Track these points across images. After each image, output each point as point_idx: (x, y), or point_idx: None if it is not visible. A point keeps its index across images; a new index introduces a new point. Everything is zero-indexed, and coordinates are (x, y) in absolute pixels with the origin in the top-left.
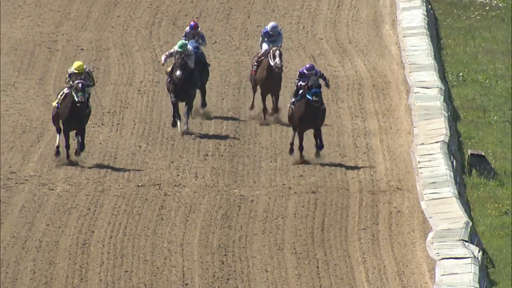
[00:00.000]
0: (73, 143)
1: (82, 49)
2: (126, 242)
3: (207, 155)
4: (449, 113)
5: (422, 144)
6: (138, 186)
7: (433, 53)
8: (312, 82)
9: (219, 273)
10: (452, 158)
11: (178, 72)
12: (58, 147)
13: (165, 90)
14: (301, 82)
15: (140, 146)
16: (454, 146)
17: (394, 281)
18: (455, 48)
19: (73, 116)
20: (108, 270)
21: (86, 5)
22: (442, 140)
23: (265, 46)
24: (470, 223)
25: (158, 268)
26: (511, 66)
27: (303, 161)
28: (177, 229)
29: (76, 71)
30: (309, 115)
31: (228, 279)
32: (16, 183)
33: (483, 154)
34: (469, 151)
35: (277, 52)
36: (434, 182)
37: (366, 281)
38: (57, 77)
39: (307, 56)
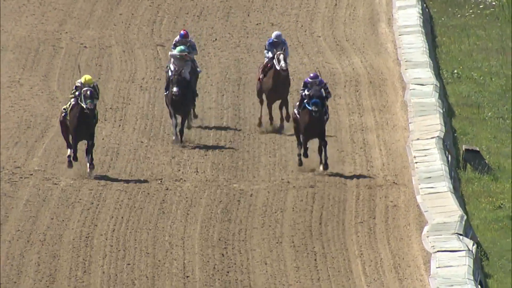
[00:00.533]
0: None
1: (85, 46)
2: (128, 236)
3: (207, 150)
4: (444, 110)
5: (418, 139)
6: (140, 180)
7: (428, 51)
8: (313, 92)
9: (219, 266)
10: (447, 153)
11: (174, 89)
12: (70, 156)
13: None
14: (305, 92)
15: (142, 142)
16: (449, 142)
17: (390, 273)
18: (450, 46)
19: (82, 125)
20: (111, 262)
21: (89, 4)
22: (438, 136)
23: (269, 55)
24: (465, 217)
25: (159, 260)
26: (505, 64)
27: (310, 170)
28: (178, 223)
29: (86, 83)
30: (313, 124)
31: (228, 272)
32: (21, 177)
33: (478, 149)
34: (464, 147)
35: (281, 56)
36: (430, 177)
37: (363, 273)
38: (61, 74)
39: (305, 53)
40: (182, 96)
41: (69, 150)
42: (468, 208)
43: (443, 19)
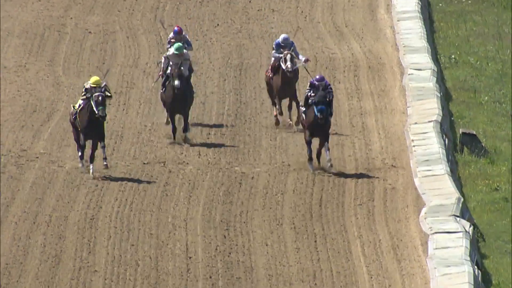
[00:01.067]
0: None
1: (90, 32)
2: (132, 217)
3: (209, 134)
4: (441, 94)
5: (416, 123)
6: (144, 163)
7: (426, 36)
8: (319, 98)
9: (221, 247)
10: (444, 136)
11: (176, 82)
12: (81, 157)
13: None
14: (311, 93)
15: (145, 125)
16: (446, 125)
17: (389, 254)
18: (447, 31)
19: (92, 126)
20: (115, 243)
21: None
22: (435, 120)
23: (277, 55)
24: (462, 199)
25: (163, 242)
26: (501, 49)
27: (319, 167)
28: (181, 205)
29: (94, 86)
30: (318, 124)
31: (230, 253)
32: (27, 160)
33: (474, 133)
34: (461, 130)
35: (288, 56)
36: (427, 160)
37: (362, 254)
38: (66, 58)
39: (305, 39)
40: (183, 91)
41: (79, 152)
42: (465, 190)
43: (440, 5)
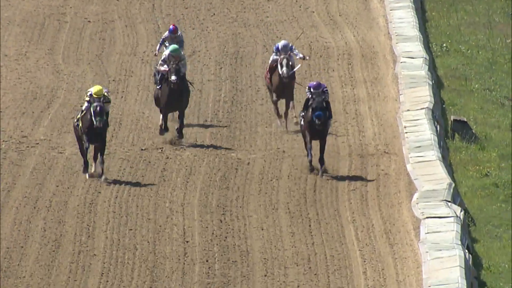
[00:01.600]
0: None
1: (89, 21)
2: (130, 202)
3: (206, 121)
4: (433, 82)
5: (408, 110)
6: (142, 149)
7: (418, 25)
8: (316, 104)
9: (218, 231)
10: (436, 123)
11: (173, 77)
12: (85, 162)
13: None
14: (310, 96)
15: (143, 112)
16: (438, 112)
17: (382, 238)
18: (439, 21)
19: (93, 130)
20: (114, 228)
21: None
22: (427, 107)
23: (275, 57)
24: (453, 184)
25: (160, 226)
26: (492, 38)
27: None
28: (178, 190)
29: (96, 96)
30: (316, 129)
31: (226, 237)
32: (28, 146)
33: (465, 120)
34: (452, 117)
35: (284, 61)
36: (419, 146)
37: (356, 238)
38: (66, 47)
39: (300, 27)
40: (179, 86)
41: (83, 157)
42: (456, 176)
43: None
